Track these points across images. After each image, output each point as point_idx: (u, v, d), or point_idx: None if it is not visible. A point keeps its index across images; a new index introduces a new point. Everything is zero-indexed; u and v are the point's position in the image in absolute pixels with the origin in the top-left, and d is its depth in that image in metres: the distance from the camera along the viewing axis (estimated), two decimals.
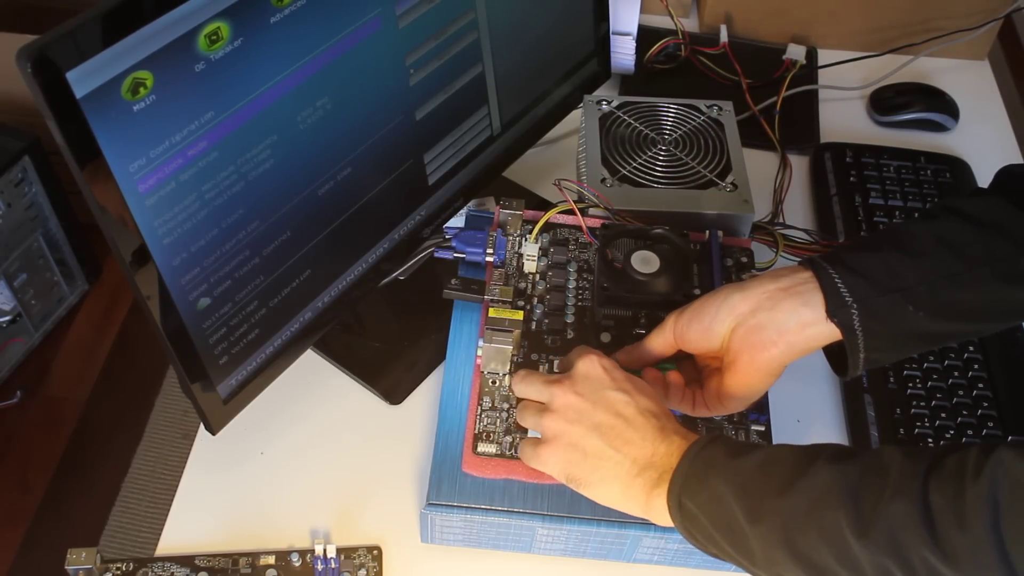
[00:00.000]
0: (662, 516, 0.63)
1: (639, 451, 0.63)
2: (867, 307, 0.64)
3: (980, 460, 0.53)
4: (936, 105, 1.11)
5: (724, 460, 0.61)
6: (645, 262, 0.79)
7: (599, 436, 0.64)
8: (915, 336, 0.67)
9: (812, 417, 0.85)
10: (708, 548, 0.62)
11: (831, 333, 0.65)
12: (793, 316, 0.66)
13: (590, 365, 0.67)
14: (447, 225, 0.86)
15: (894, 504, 0.54)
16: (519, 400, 0.71)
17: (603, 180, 0.89)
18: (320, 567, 0.72)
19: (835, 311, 0.65)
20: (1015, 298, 0.66)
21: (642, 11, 1.08)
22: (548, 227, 0.85)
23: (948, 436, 0.82)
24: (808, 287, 0.66)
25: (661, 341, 0.72)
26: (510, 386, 0.73)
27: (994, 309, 0.67)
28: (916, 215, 0.68)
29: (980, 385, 0.85)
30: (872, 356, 0.66)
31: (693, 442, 0.63)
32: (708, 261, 0.82)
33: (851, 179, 1.02)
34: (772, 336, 0.66)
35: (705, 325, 0.69)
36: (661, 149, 0.92)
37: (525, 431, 0.72)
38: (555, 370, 0.75)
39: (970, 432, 0.82)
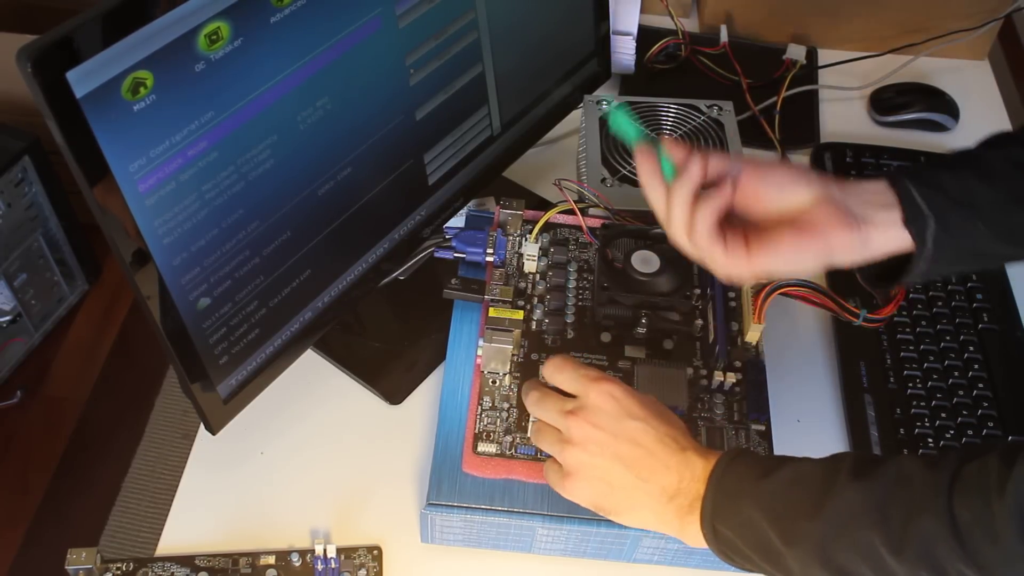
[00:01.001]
0: (696, 539, 0.64)
1: (665, 479, 0.64)
2: (942, 220, 0.64)
3: (1002, 474, 0.53)
4: (936, 105, 1.11)
5: (750, 483, 0.61)
6: (645, 262, 0.79)
7: (624, 467, 0.64)
8: (977, 254, 0.67)
9: (812, 417, 0.85)
10: (744, 566, 0.63)
11: (901, 242, 0.65)
12: (876, 213, 0.65)
13: (603, 398, 0.65)
14: (447, 225, 0.86)
15: (923, 521, 0.55)
16: (535, 421, 0.70)
17: (603, 180, 0.89)
18: (320, 567, 0.72)
19: (912, 220, 0.64)
20: None
21: (642, 11, 1.08)
22: (548, 227, 0.85)
23: (948, 436, 0.82)
24: (886, 196, 0.65)
25: (723, 162, 0.65)
26: (520, 393, 0.72)
27: None
28: (978, 144, 0.68)
29: (980, 385, 0.85)
30: (932, 268, 0.66)
31: (715, 464, 0.63)
32: None
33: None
34: (859, 220, 0.64)
35: (786, 182, 0.65)
36: None
37: (525, 431, 0.72)
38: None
39: (970, 432, 0.82)
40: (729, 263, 0.65)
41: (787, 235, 0.64)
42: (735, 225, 0.66)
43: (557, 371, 0.68)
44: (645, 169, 0.66)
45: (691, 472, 0.63)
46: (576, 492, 0.66)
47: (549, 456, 0.68)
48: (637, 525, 0.67)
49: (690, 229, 0.65)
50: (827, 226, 0.64)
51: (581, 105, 0.96)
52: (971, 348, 0.87)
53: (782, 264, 0.65)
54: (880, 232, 0.65)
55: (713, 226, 0.64)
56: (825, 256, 0.65)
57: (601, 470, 0.65)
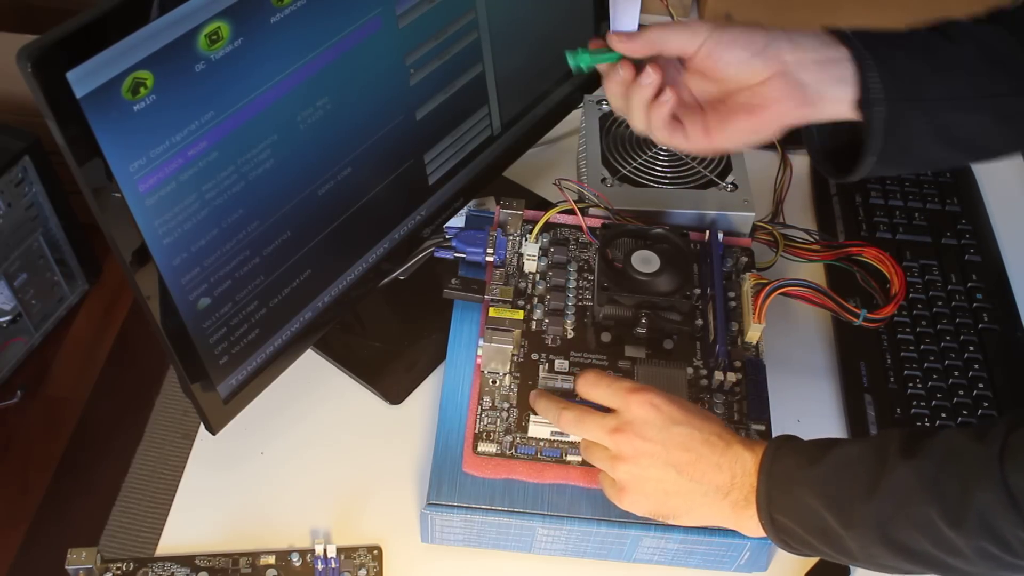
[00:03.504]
0: (755, 530, 0.65)
1: (718, 478, 0.65)
2: (893, 109, 0.65)
3: None
4: None
5: (801, 470, 0.63)
6: (645, 262, 0.79)
7: (677, 474, 0.65)
8: (912, 151, 0.68)
9: (812, 417, 0.85)
10: (802, 551, 0.64)
11: (849, 113, 0.66)
12: (834, 87, 0.66)
13: (644, 408, 0.66)
14: (447, 225, 0.86)
15: (978, 492, 0.56)
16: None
17: (603, 180, 0.89)
18: (320, 567, 0.72)
19: (866, 104, 0.65)
20: (1006, 135, 0.68)
21: (642, 11, 1.08)
22: (548, 227, 0.85)
23: None
24: (846, 68, 0.66)
25: (684, 35, 0.68)
26: (537, 405, 0.72)
27: (983, 145, 0.70)
28: (938, 22, 0.70)
29: (980, 385, 0.85)
30: (880, 160, 0.67)
31: (763, 456, 0.65)
32: (708, 261, 0.82)
33: None
34: (811, 97, 0.66)
35: (745, 57, 0.66)
36: (661, 149, 0.92)
37: (525, 431, 0.72)
38: (555, 371, 0.75)
39: None
40: (691, 146, 0.69)
41: (742, 117, 0.67)
42: (692, 105, 0.70)
43: (592, 387, 0.69)
44: (611, 89, 0.71)
45: (742, 467, 0.65)
46: (635, 505, 0.67)
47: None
48: (696, 524, 0.68)
49: (649, 126, 0.69)
50: (779, 104, 0.66)
51: (581, 105, 0.96)
52: (971, 348, 0.87)
53: (740, 143, 0.69)
54: (831, 105, 0.66)
55: (667, 121, 0.69)
56: (778, 130, 0.67)
57: (656, 480, 0.66)
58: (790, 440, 0.65)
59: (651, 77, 0.68)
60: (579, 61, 0.71)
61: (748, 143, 0.69)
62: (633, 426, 0.66)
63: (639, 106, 0.69)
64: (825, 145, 0.72)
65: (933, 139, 0.67)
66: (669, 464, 0.65)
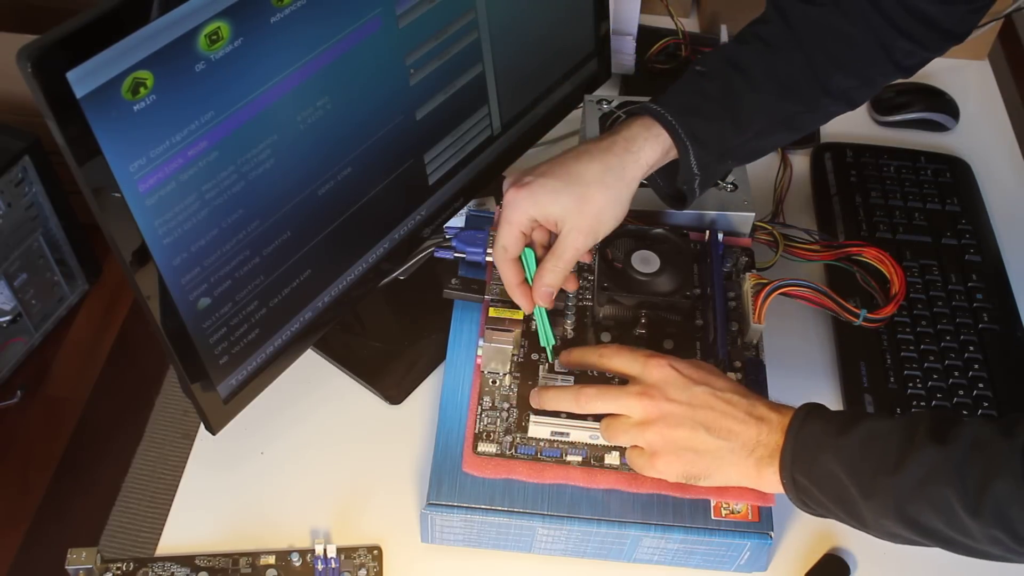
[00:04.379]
0: (773, 486, 0.67)
1: (745, 435, 0.66)
2: (705, 171, 0.77)
3: None
4: (936, 105, 1.11)
5: (829, 438, 0.64)
6: (645, 262, 0.79)
7: (707, 432, 0.66)
8: (727, 151, 0.78)
9: None
10: (817, 511, 0.66)
11: (658, 155, 0.75)
12: (643, 151, 0.75)
13: (664, 371, 0.68)
14: (447, 225, 0.86)
15: (998, 484, 0.58)
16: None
17: None
18: (320, 567, 0.72)
19: (686, 181, 0.77)
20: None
21: (642, 11, 1.08)
22: None
23: None
24: (657, 134, 0.75)
25: (516, 236, 0.74)
26: (542, 399, 0.72)
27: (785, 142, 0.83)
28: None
29: (980, 385, 0.85)
30: (704, 175, 0.77)
31: (791, 420, 0.66)
32: (708, 261, 0.82)
33: (851, 179, 1.02)
34: (627, 180, 0.75)
35: (565, 198, 0.73)
36: None
37: (525, 431, 0.72)
38: (555, 371, 0.75)
39: None
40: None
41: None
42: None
43: (614, 354, 0.71)
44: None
45: (768, 424, 0.66)
46: (667, 468, 0.68)
47: (617, 448, 0.71)
48: (723, 483, 0.68)
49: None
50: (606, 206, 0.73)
51: (581, 105, 0.96)
52: (971, 348, 0.87)
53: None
54: (634, 160, 0.74)
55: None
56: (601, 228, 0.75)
57: (686, 440, 0.67)
58: (819, 407, 0.67)
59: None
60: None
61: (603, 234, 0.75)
62: (657, 388, 0.67)
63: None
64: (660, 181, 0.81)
65: (744, 159, 0.82)
66: (697, 422, 0.66)
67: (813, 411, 0.66)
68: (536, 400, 0.72)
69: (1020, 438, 0.59)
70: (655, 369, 0.68)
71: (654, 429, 0.67)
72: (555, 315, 0.79)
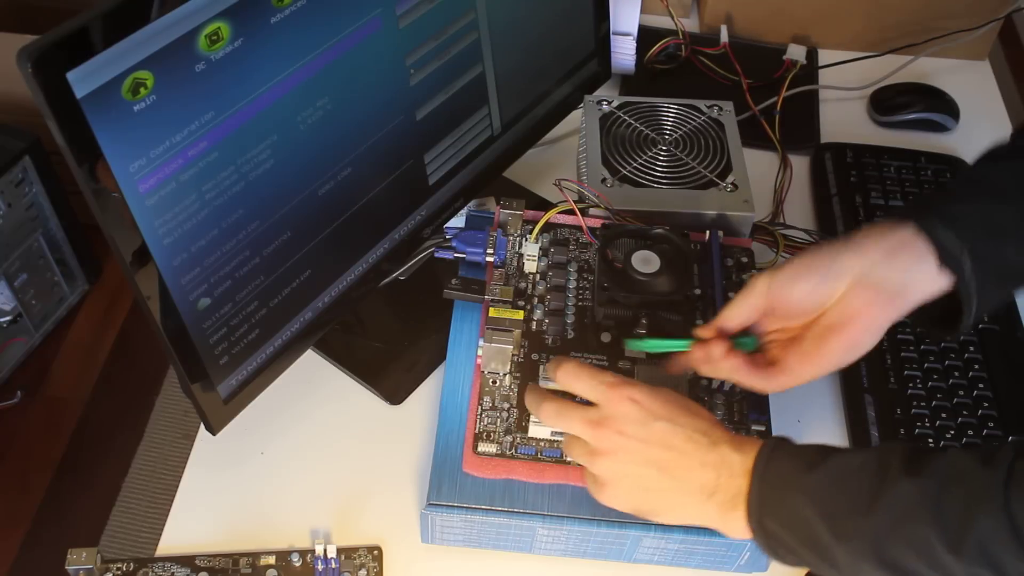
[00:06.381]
0: (741, 533, 0.63)
1: (702, 477, 0.63)
2: (976, 254, 0.64)
3: None
4: (936, 105, 1.11)
5: (796, 476, 0.61)
6: (645, 262, 0.79)
7: (657, 471, 0.64)
8: (1014, 278, 0.67)
9: (812, 417, 0.85)
10: (788, 559, 0.63)
11: (944, 284, 0.65)
12: (911, 272, 0.65)
13: (623, 404, 0.65)
14: (447, 225, 0.86)
15: (980, 519, 0.55)
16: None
17: (603, 180, 0.89)
18: (320, 567, 0.72)
19: (948, 261, 0.64)
20: None
21: (642, 11, 1.08)
22: (548, 227, 0.85)
23: (948, 436, 0.82)
24: (918, 241, 0.65)
25: (748, 306, 0.69)
26: (520, 398, 0.72)
27: None
28: (976, 162, 0.71)
29: (980, 385, 0.85)
30: (982, 303, 0.65)
31: (756, 459, 0.63)
32: (708, 261, 0.83)
33: (852, 179, 1.02)
34: (893, 292, 0.65)
35: (815, 283, 0.66)
36: (661, 149, 0.92)
37: (525, 431, 0.72)
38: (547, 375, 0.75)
39: (970, 432, 0.82)
40: (793, 379, 0.68)
41: (834, 337, 0.66)
42: (784, 341, 0.69)
43: (573, 378, 0.67)
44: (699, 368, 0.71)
45: (728, 468, 0.63)
46: (614, 500, 0.66)
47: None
48: (679, 523, 0.67)
49: (744, 383, 0.70)
50: (867, 312, 0.65)
51: (581, 105, 0.96)
52: (971, 348, 0.87)
53: (842, 361, 0.67)
54: (927, 283, 0.65)
55: (755, 371, 0.68)
56: (876, 336, 0.66)
57: (635, 477, 0.65)
58: (785, 443, 0.64)
59: (717, 353, 0.69)
60: (644, 347, 0.75)
61: (851, 358, 0.67)
62: (613, 421, 0.64)
63: (725, 374, 0.70)
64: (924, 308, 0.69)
65: None
66: (648, 462, 0.64)
67: (778, 448, 0.63)
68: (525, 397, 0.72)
69: (1002, 468, 0.55)
70: (616, 402, 0.65)
71: (603, 462, 0.65)
72: (555, 315, 0.79)
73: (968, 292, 0.65)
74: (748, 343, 0.70)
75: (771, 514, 0.61)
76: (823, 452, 0.62)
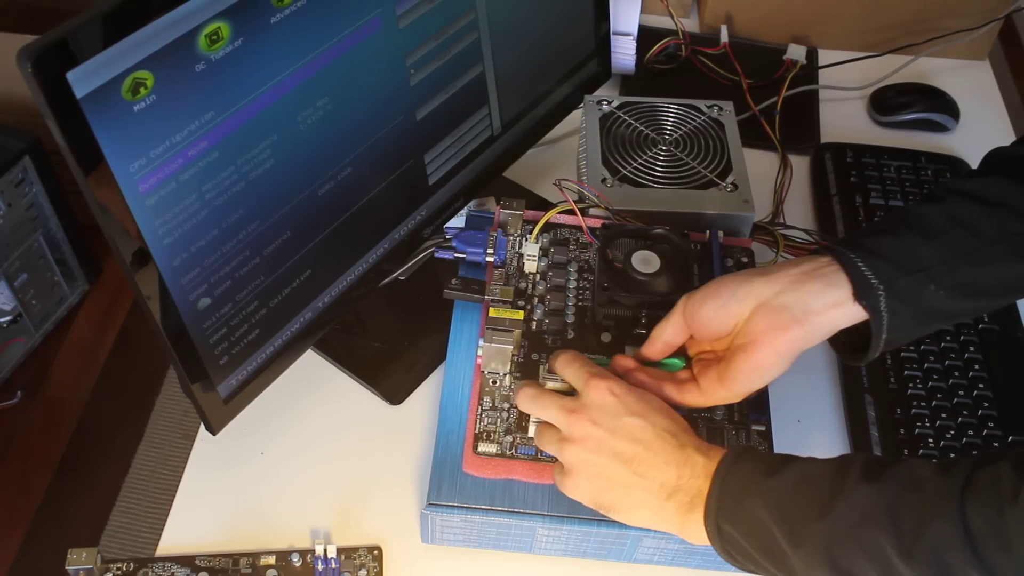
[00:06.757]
0: (698, 536, 0.64)
1: (664, 475, 0.64)
2: (892, 288, 0.64)
3: (1015, 483, 0.54)
4: (936, 105, 1.11)
5: (757, 480, 0.61)
6: (645, 262, 0.79)
7: (621, 464, 0.64)
8: (933, 315, 0.67)
9: (812, 417, 0.85)
10: (745, 566, 0.63)
11: (855, 315, 0.65)
12: (819, 297, 0.65)
13: (600, 394, 0.66)
14: (447, 225, 0.86)
15: (935, 526, 0.55)
16: (536, 421, 0.70)
17: (603, 180, 0.89)
18: (320, 567, 0.72)
19: (863, 293, 0.64)
20: None
21: (642, 11, 1.08)
22: (548, 227, 0.85)
23: (948, 436, 0.82)
24: (831, 270, 0.65)
25: (672, 327, 0.71)
26: (515, 398, 0.72)
27: (1010, 285, 0.68)
28: (917, 199, 0.69)
29: (980, 385, 0.85)
30: (892, 337, 0.66)
31: (719, 462, 0.63)
32: (708, 261, 0.82)
33: (852, 179, 1.02)
34: (797, 316, 0.65)
35: (721, 303, 0.67)
36: (661, 149, 0.92)
37: (525, 431, 0.72)
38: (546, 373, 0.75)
39: (970, 432, 0.82)
40: (709, 399, 0.69)
41: (740, 358, 0.67)
42: (706, 363, 0.70)
43: (567, 364, 0.69)
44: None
45: (691, 469, 0.63)
46: (575, 489, 0.67)
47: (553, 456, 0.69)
48: (637, 523, 0.67)
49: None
50: (766, 335, 0.66)
51: (581, 105, 0.96)
52: (971, 348, 0.87)
53: (750, 384, 0.68)
54: (836, 310, 0.65)
55: (689, 396, 0.70)
56: (781, 361, 0.66)
57: (599, 467, 0.65)
58: (749, 451, 0.64)
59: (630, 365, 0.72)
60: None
61: (758, 382, 0.68)
62: (587, 410, 0.66)
63: (640, 386, 0.71)
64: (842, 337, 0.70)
65: (955, 297, 0.65)
66: (614, 453, 0.64)
67: (744, 454, 0.63)
68: None
69: (959, 477, 0.55)
70: (593, 391, 0.66)
71: (572, 448, 0.66)
72: (555, 315, 0.79)
73: (879, 326, 0.65)
74: (674, 364, 0.72)
75: (728, 518, 0.61)
76: (786, 459, 0.62)
